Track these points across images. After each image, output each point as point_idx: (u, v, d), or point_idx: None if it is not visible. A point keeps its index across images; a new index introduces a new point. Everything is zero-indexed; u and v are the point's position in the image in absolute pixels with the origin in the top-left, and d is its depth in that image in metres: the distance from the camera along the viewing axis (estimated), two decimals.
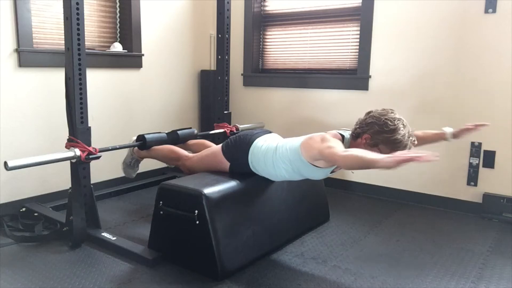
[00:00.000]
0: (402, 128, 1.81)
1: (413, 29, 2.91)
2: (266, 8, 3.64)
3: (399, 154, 1.54)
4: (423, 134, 2.14)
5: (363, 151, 1.74)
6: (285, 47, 3.59)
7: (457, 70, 2.79)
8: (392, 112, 1.86)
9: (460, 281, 1.91)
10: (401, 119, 1.84)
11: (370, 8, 3.04)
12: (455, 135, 2.11)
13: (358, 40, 3.16)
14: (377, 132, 1.82)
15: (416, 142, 1.88)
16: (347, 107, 3.22)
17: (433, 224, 2.62)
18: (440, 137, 2.13)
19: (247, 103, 3.73)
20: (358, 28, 3.15)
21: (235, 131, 3.15)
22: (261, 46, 3.72)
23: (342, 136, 1.99)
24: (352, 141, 1.94)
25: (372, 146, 1.85)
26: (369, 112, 1.90)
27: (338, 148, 1.79)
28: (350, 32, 3.25)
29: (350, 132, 2.01)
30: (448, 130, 2.11)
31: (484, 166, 2.76)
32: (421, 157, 1.45)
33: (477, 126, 2.06)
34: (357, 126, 1.91)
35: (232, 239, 1.93)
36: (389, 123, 1.80)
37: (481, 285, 1.88)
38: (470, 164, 2.80)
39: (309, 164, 1.92)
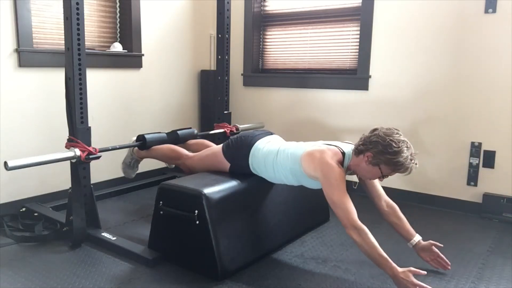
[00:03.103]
0: (405, 151, 1.79)
1: (413, 29, 2.91)
2: (266, 8, 3.64)
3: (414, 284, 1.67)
4: (401, 217, 2.05)
5: (375, 243, 1.76)
6: (285, 47, 3.58)
7: (457, 69, 2.79)
8: (397, 133, 1.84)
9: (460, 281, 1.91)
10: (405, 141, 1.82)
11: (370, 8, 3.04)
12: (418, 248, 2.01)
13: (358, 40, 3.16)
14: (380, 152, 1.81)
15: (418, 165, 1.86)
16: (347, 107, 3.22)
17: (433, 224, 2.62)
18: (406, 237, 2.04)
19: (247, 103, 3.73)
20: (358, 28, 3.15)
21: (235, 131, 3.15)
22: (261, 46, 3.72)
23: (343, 153, 1.96)
24: (354, 157, 1.93)
25: (374, 165, 1.84)
26: (374, 130, 1.87)
27: (349, 203, 1.82)
28: (350, 32, 3.24)
29: (352, 146, 1.99)
30: (418, 238, 2.02)
31: (484, 166, 2.76)
32: None
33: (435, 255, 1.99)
34: (361, 143, 1.89)
35: (232, 239, 1.93)
36: (394, 144, 1.78)
37: (481, 285, 1.88)
38: (470, 164, 2.80)
39: (307, 176, 1.95)
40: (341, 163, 1.92)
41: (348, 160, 1.96)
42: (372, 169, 1.86)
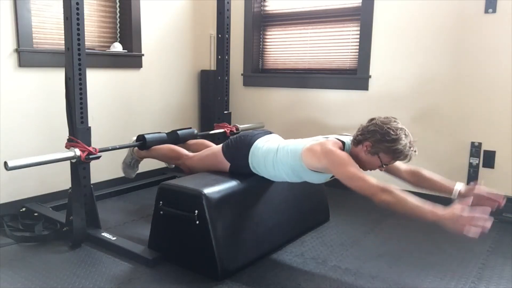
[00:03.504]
0: (403, 138, 1.80)
1: (413, 29, 2.91)
2: (266, 8, 3.64)
3: (464, 216, 1.55)
4: (429, 177, 1.97)
5: (407, 196, 1.68)
6: (285, 47, 3.58)
7: (457, 69, 2.79)
8: (395, 121, 1.84)
9: (460, 281, 1.91)
10: (403, 128, 1.82)
11: (370, 8, 3.04)
12: (462, 195, 1.86)
13: (358, 40, 3.16)
14: (379, 140, 1.81)
15: (417, 152, 1.85)
16: (347, 107, 3.22)
17: (433, 224, 2.61)
18: (446, 191, 1.92)
19: (247, 103, 3.73)
20: (358, 28, 3.15)
21: (235, 131, 3.15)
22: (261, 46, 3.72)
23: (343, 142, 1.97)
24: (353, 147, 1.94)
25: (373, 154, 1.85)
26: (372, 119, 1.88)
27: (364, 173, 1.75)
28: (350, 32, 3.24)
29: (351, 137, 1.99)
30: (459, 186, 1.89)
31: (484, 166, 2.76)
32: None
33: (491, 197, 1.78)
34: (359, 133, 1.90)
35: (232, 239, 1.93)
36: (391, 132, 1.79)
37: (481, 285, 1.88)
38: (470, 164, 2.80)
39: (309, 170, 1.95)
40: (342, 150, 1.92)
41: (349, 149, 1.96)
42: (371, 159, 1.87)
